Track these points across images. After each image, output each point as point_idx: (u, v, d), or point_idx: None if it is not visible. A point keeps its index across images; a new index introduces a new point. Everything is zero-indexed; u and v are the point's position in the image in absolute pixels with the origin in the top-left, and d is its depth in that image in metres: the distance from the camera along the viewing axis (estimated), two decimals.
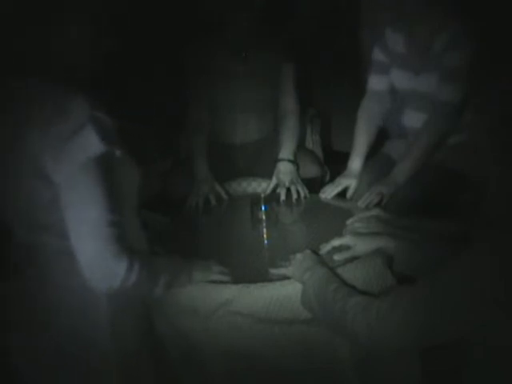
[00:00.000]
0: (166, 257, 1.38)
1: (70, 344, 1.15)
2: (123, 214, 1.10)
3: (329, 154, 2.57)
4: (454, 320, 0.94)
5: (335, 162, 2.33)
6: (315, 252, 1.40)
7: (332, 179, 2.08)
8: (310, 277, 1.25)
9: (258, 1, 2.04)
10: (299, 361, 1.31)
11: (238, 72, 2.17)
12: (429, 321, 0.96)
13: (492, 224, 0.93)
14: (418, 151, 1.86)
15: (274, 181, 2.02)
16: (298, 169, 2.09)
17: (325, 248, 1.44)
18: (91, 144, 1.02)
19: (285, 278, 1.35)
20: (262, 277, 1.38)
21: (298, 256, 1.37)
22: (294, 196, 1.94)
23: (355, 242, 1.38)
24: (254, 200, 1.71)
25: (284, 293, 1.30)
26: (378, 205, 1.76)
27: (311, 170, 2.23)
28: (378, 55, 2.03)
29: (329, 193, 1.92)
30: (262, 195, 1.73)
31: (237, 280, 1.36)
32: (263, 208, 1.68)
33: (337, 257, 1.38)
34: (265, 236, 1.66)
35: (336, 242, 1.42)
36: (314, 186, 2.08)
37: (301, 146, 2.27)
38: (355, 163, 1.99)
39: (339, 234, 1.48)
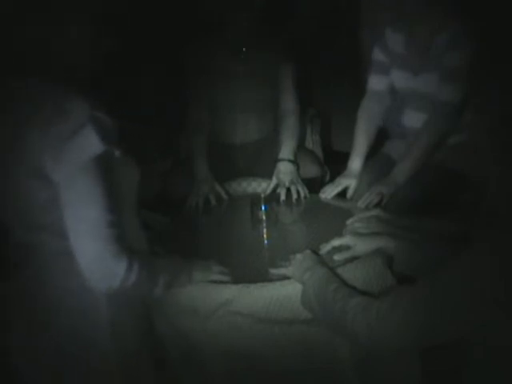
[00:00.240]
0: (166, 257, 1.38)
1: (70, 344, 1.15)
2: (123, 214, 1.10)
3: (329, 154, 2.57)
4: (454, 320, 0.94)
5: (335, 162, 2.34)
6: (315, 252, 1.40)
7: (332, 179, 2.08)
8: (310, 277, 1.25)
9: (258, 1, 2.04)
10: (299, 361, 1.31)
11: (238, 72, 2.17)
12: (429, 321, 0.96)
13: (492, 224, 0.93)
14: (418, 151, 1.86)
15: (274, 181, 2.02)
16: (298, 169, 2.09)
17: (325, 248, 1.44)
18: (91, 144, 1.02)
19: (285, 278, 1.35)
20: (262, 277, 1.38)
21: (298, 256, 1.37)
22: (294, 196, 1.94)
23: (355, 242, 1.38)
24: (254, 200, 1.71)
25: (284, 293, 1.30)
26: (378, 205, 1.76)
27: (311, 169, 2.23)
28: (377, 55, 2.03)
29: (329, 193, 1.92)
30: (262, 195, 1.74)
31: (237, 280, 1.36)
32: (263, 208, 1.68)
33: (337, 257, 1.38)
34: (265, 236, 1.66)
35: (336, 242, 1.42)
36: (314, 186, 2.08)
37: (301, 146, 2.27)
38: (355, 163, 1.99)
39: (339, 234, 1.48)
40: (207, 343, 1.32)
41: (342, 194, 1.93)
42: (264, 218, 1.68)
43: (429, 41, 1.86)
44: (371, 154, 2.05)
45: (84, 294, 1.12)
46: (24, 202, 1.10)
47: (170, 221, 1.74)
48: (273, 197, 1.90)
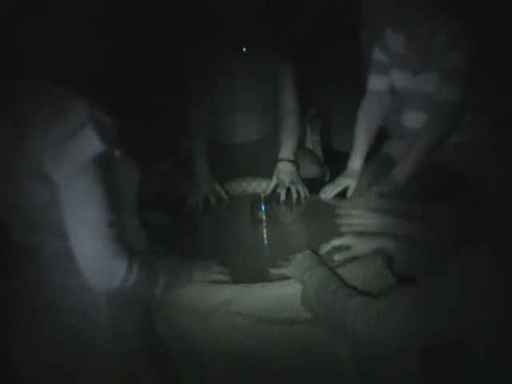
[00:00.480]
0: (166, 257, 1.38)
1: (70, 344, 1.15)
2: (123, 214, 1.10)
3: (329, 154, 2.57)
4: (454, 320, 0.94)
5: (335, 162, 2.33)
6: (315, 252, 1.41)
7: (332, 179, 2.08)
8: (310, 277, 1.25)
9: (258, 1, 2.04)
10: (299, 361, 1.31)
11: (238, 72, 2.17)
12: (429, 321, 0.96)
13: (492, 224, 0.93)
14: (418, 151, 1.86)
15: (274, 181, 2.02)
16: (298, 169, 2.09)
17: (325, 248, 1.44)
18: (91, 144, 1.02)
19: (285, 278, 1.35)
20: (262, 277, 1.38)
21: (298, 256, 1.37)
22: (294, 196, 1.94)
23: (355, 242, 1.38)
24: (254, 200, 1.71)
25: (284, 293, 1.30)
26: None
27: (311, 170, 2.23)
28: (377, 55, 2.03)
29: (329, 193, 1.92)
30: (262, 195, 1.74)
31: (237, 280, 1.36)
32: (263, 208, 1.68)
33: (337, 257, 1.38)
34: (265, 236, 1.66)
35: (336, 242, 1.42)
36: (314, 186, 2.08)
37: (301, 146, 2.27)
38: (355, 163, 1.99)
39: (339, 234, 1.48)
40: (207, 343, 1.32)
41: (342, 194, 1.93)
42: (264, 217, 1.68)
43: (429, 41, 1.86)
44: (371, 154, 2.05)
45: (84, 294, 1.12)
46: (24, 202, 1.10)
47: (170, 221, 1.74)
48: (273, 197, 1.90)
